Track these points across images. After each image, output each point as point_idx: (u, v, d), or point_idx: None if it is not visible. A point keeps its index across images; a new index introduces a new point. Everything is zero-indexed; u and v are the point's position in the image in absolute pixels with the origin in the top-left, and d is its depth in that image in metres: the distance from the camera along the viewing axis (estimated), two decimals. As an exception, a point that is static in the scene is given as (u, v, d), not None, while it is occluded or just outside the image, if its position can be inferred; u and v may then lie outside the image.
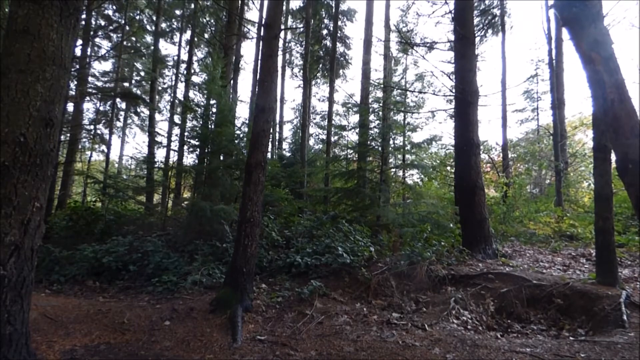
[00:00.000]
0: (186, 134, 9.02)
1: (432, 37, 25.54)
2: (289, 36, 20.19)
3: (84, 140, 16.44)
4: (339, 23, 15.99)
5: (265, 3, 9.61)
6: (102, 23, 14.87)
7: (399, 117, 11.47)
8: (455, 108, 7.61)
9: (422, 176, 10.92)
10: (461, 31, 7.29)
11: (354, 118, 14.21)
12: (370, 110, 10.39)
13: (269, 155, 7.53)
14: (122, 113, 19.32)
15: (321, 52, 17.22)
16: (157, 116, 16.02)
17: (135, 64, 18.62)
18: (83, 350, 3.42)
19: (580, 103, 38.86)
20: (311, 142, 18.81)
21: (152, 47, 15.48)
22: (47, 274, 6.01)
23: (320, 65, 17.88)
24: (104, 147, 17.32)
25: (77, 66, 11.16)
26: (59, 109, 2.89)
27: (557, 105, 13.60)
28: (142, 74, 18.67)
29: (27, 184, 2.65)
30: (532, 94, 23.04)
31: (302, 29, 16.08)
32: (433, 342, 3.67)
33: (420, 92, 14.10)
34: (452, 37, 8.99)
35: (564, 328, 4.22)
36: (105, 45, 15.34)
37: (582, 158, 16.13)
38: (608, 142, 4.69)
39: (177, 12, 16.66)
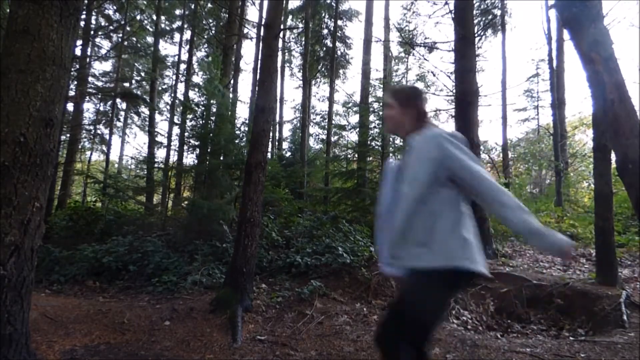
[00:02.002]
0: (186, 134, 9.02)
1: (433, 37, 25.55)
2: (288, 36, 20.18)
3: (84, 140, 16.45)
4: (339, 23, 15.99)
5: (265, 3, 9.61)
6: (102, 23, 14.88)
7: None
8: (456, 108, 7.61)
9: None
10: (461, 31, 7.29)
11: (354, 118, 14.23)
12: (370, 110, 10.38)
13: (269, 155, 7.53)
14: (122, 113, 19.32)
15: (321, 52, 17.20)
16: (157, 116, 16.00)
17: (135, 64, 18.62)
18: (83, 350, 3.42)
19: (580, 103, 38.94)
20: (311, 142, 18.78)
21: (152, 47, 15.49)
22: (47, 274, 6.00)
23: (320, 65, 17.85)
24: (104, 147, 17.35)
25: (77, 66, 11.16)
26: (59, 109, 2.88)
27: (557, 105, 13.59)
28: (142, 74, 18.68)
29: (27, 184, 2.64)
30: (533, 93, 23.06)
31: (302, 29, 16.07)
32: (433, 342, 3.67)
33: (420, 92, 14.05)
34: (452, 37, 8.99)
35: (564, 328, 4.22)
36: (105, 45, 15.36)
37: (582, 158, 16.12)
38: (608, 142, 4.69)
39: (177, 12, 16.66)
